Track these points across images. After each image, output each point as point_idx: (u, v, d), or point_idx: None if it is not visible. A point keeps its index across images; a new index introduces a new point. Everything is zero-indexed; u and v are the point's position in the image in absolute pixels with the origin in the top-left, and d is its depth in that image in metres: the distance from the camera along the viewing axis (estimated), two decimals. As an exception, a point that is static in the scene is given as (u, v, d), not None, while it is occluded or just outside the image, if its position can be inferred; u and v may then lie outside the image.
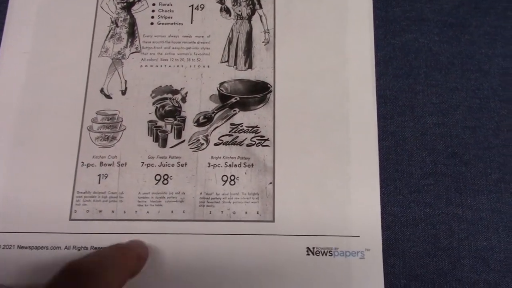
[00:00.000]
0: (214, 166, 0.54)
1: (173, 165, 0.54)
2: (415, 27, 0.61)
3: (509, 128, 0.58)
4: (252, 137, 0.55)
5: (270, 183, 0.54)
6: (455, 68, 0.60)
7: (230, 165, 0.54)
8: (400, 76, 0.59)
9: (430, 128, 0.57)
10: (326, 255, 0.52)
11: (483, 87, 0.59)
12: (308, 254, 0.52)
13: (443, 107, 0.58)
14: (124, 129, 0.56)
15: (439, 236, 0.54)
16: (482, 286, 0.53)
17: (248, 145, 0.55)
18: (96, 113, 0.56)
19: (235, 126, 0.56)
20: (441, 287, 0.53)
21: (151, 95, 0.57)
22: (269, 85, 0.57)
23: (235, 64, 0.58)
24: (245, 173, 0.54)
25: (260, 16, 0.60)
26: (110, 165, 0.54)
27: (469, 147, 0.57)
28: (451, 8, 0.62)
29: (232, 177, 0.54)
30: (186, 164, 0.55)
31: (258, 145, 0.55)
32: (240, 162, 0.55)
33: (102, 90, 0.57)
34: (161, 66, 0.58)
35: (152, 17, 0.60)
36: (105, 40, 0.59)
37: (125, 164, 0.55)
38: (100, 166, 0.54)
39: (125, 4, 0.60)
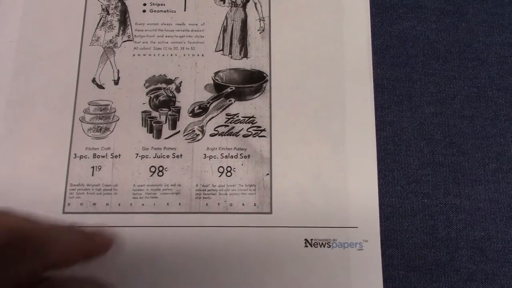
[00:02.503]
0: (210, 158, 0.54)
1: (168, 156, 0.54)
2: (412, 14, 0.60)
3: (507, 117, 0.58)
4: (249, 128, 0.55)
5: (267, 174, 0.54)
6: (453, 56, 0.59)
7: (226, 156, 0.54)
8: (397, 65, 0.59)
9: (428, 118, 0.57)
10: (324, 246, 0.52)
11: (480, 75, 0.59)
12: (306, 246, 0.52)
13: (440, 96, 0.58)
14: (117, 120, 0.55)
15: (437, 226, 0.54)
16: (479, 276, 0.53)
17: (244, 136, 0.55)
18: (88, 104, 0.55)
19: (231, 116, 0.55)
20: (439, 277, 0.53)
21: (144, 85, 0.56)
22: (265, 74, 0.57)
23: (230, 53, 0.58)
24: (242, 165, 0.54)
25: (255, 3, 0.59)
26: (103, 156, 0.54)
27: (467, 137, 0.57)
28: (448, -5, 0.61)
29: (229, 169, 0.54)
30: (181, 155, 0.54)
31: (254, 135, 0.55)
32: (237, 153, 0.54)
33: (94, 80, 0.56)
34: (154, 55, 0.57)
35: (144, 4, 0.59)
36: (96, 28, 0.58)
37: (119, 155, 0.54)
38: (94, 158, 0.54)
39: (116, -9, 0.60)
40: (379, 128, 0.56)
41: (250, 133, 0.55)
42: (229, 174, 0.54)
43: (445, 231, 0.54)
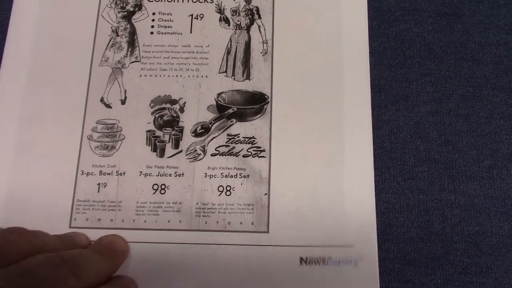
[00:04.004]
0: (210, 177, 0.55)
1: (170, 175, 0.55)
2: (409, 17, 0.61)
3: (501, 115, 0.58)
4: (249, 148, 0.56)
5: (265, 194, 0.55)
6: (449, 57, 0.60)
7: (226, 176, 0.55)
8: (394, 65, 0.60)
9: (423, 117, 0.58)
10: (319, 264, 0.52)
11: (476, 75, 0.60)
12: (301, 264, 0.52)
13: (436, 95, 0.59)
14: (123, 138, 0.56)
15: (432, 221, 0.55)
16: (474, 270, 0.54)
17: (244, 156, 0.56)
18: (96, 122, 0.57)
19: (232, 136, 0.56)
20: (434, 271, 0.54)
21: (150, 105, 0.57)
22: (266, 96, 0.57)
23: (233, 74, 0.58)
24: (241, 184, 0.55)
25: (259, 26, 0.60)
26: (109, 174, 0.55)
27: (462, 135, 0.58)
28: (444, -3, 0.61)
29: (228, 188, 0.55)
30: (183, 174, 0.55)
31: (254, 156, 0.56)
32: (236, 173, 0.55)
33: (102, 99, 0.57)
34: (160, 75, 0.58)
35: (152, 26, 0.60)
36: (106, 49, 0.59)
37: (124, 173, 0.55)
38: (100, 175, 0.55)
39: (125, 13, 0.60)
40: (376, 127, 0.57)
41: (250, 153, 0.56)
42: (228, 193, 0.55)
43: (440, 225, 0.55)
